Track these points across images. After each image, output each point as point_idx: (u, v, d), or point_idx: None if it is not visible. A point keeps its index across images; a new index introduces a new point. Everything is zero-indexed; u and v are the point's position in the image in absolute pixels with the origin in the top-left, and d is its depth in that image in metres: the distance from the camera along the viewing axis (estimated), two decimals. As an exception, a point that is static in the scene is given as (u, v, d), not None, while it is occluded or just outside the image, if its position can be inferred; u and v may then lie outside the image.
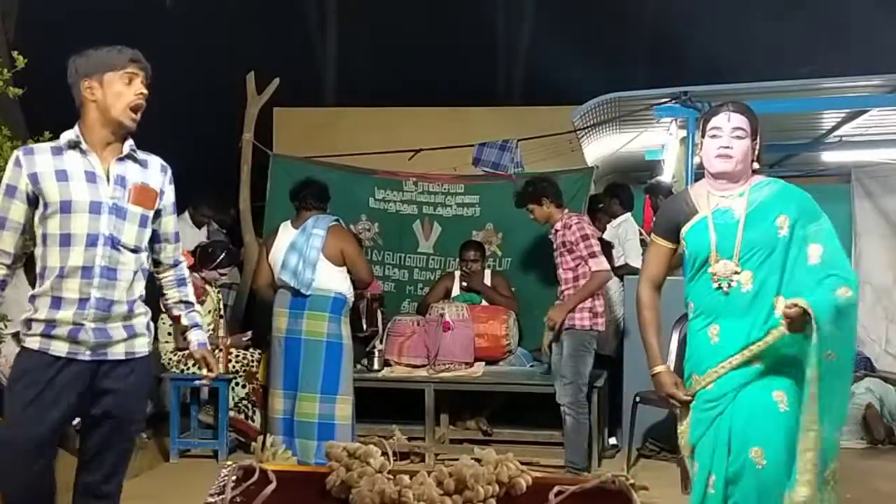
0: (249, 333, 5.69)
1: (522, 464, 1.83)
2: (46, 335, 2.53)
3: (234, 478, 1.76)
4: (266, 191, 6.45)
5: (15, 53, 4.91)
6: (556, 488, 1.73)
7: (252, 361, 5.37)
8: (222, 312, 5.55)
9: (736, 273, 2.63)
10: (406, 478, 1.75)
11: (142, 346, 2.71)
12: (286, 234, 4.73)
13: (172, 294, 2.95)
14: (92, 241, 2.55)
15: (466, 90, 11.91)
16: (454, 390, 5.33)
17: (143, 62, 2.67)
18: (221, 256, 5.43)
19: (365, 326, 5.67)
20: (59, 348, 2.54)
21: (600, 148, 7.82)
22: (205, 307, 5.32)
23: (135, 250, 2.66)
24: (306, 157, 6.96)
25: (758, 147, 2.74)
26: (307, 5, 14.62)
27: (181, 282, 2.95)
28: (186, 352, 5.20)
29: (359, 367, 5.46)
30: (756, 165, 2.74)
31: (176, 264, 2.93)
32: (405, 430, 5.09)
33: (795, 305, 2.44)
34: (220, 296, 5.61)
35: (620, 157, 7.98)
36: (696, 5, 13.07)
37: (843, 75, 5.92)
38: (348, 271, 4.71)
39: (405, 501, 1.67)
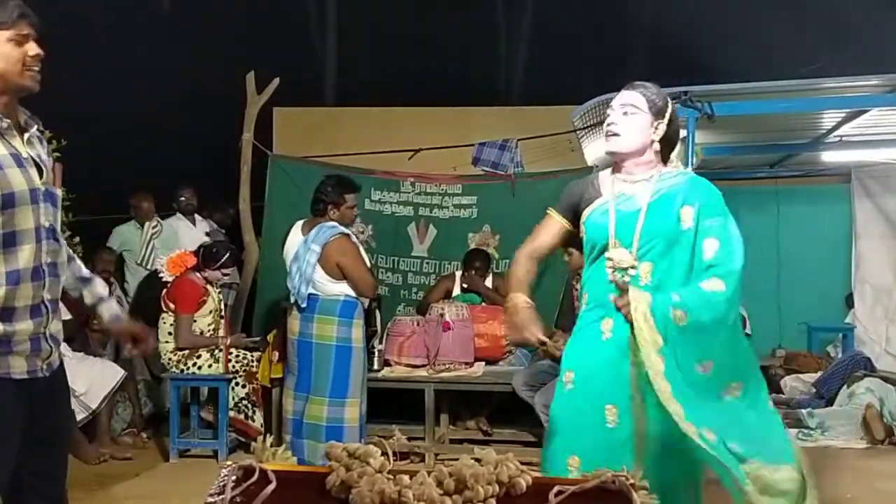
0: (258, 339, 5.68)
1: (522, 464, 1.83)
2: (4, 354, 2.15)
3: (234, 478, 1.76)
4: (265, 191, 6.45)
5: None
6: (556, 488, 1.73)
7: (252, 361, 5.37)
8: (223, 312, 5.55)
9: (633, 265, 2.48)
10: (406, 478, 1.75)
11: (61, 347, 2.40)
12: (295, 237, 4.67)
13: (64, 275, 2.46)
14: (38, 237, 2.19)
15: (466, 90, 11.90)
16: (454, 390, 5.34)
17: (31, 16, 2.21)
18: (225, 257, 5.44)
19: (366, 326, 5.67)
20: (20, 369, 2.19)
21: (600, 148, 7.81)
22: (206, 307, 5.32)
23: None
24: (305, 157, 6.96)
25: (662, 128, 2.56)
26: (307, 5, 14.62)
27: (69, 258, 2.47)
28: (187, 352, 5.23)
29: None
30: (657, 147, 2.59)
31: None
32: (405, 430, 5.15)
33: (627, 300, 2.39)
34: (220, 296, 5.61)
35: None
36: (696, 5, 13.07)
37: (843, 75, 5.92)
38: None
39: (405, 501, 1.67)
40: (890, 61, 7.41)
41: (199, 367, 5.22)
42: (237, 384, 5.30)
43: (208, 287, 5.38)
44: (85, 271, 2.56)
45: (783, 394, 6.95)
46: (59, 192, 2.35)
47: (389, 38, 14.41)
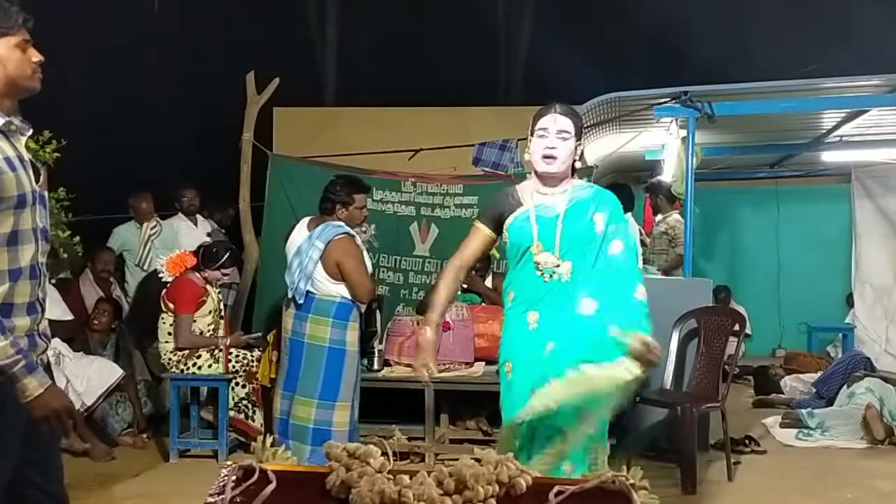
0: (258, 335, 5.67)
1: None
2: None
3: (234, 478, 1.76)
4: (265, 191, 6.45)
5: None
6: (556, 488, 1.73)
7: (252, 361, 5.37)
8: (223, 312, 5.55)
9: (557, 265, 2.82)
10: (406, 478, 1.75)
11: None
12: (300, 232, 4.62)
13: None
14: (35, 236, 2.24)
15: (466, 90, 11.91)
16: (454, 390, 5.33)
17: (30, 20, 2.26)
18: (225, 257, 5.43)
19: (365, 326, 5.67)
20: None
21: (600, 148, 7.82)
22: (206, 307, 5.32)
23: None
24: (305, 157, 6.96)
25: (581, 148, 2.95)
26: (307, 5, 14.62)
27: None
28: (186, 352, 5.23)
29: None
30: (578, 164, 2.97)
31: None
32: (405, 430, 5.15)
33: (640, 343, 2.64)
34: (220, 296, 5.61)
35: (620, 156, 7.99)
36: (695, 5, 13.07)
37: (843, 75, 5.92)
38: None
39: (405, 501, 1.67)
40: (890, 61, 7.41)
41: (199, 367, 5.22)
42: (237, 384, 5.29)
43: (208, 287, 5.38)
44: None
45: (783, 394, 6.95)
46: (46, 195, 2.39)
47: (389, 38, 14.42)
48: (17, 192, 2.17)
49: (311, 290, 4.46)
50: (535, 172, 2.96)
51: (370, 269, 4.62)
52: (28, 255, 2.22)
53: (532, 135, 2.94)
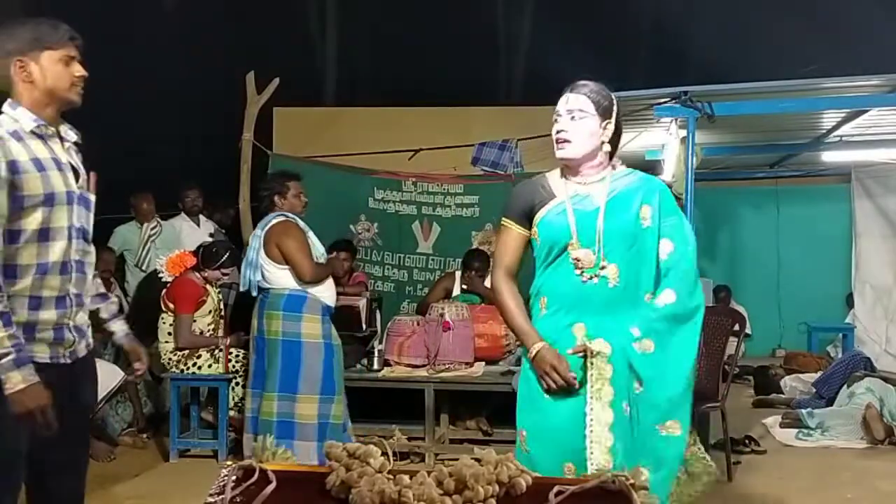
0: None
1: (522, 464, 1.83)
2: (28, 339, 2.28)
3: (234, 478, 1.76)
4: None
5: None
6: (556, 488, 1.73)
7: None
8: (223, 312, 5.55)
9: (602, 266, 2.42)
10: (406, 478, 1.75)
11: (91, 339, 2.57)
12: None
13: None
14: (68, 235, 2.37)
15: (466, 90, 11.91)
16: (454, 390, 5.33)
17: (78, 38, 2.43)
18: (225, 256, 5.43)
19: (364, 326, 5.67)
20: (42, 354, 2.34)
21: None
22: (206, 307, 5.32)
23: (92, 241, 2.54)
24: (305, 157, 6.96)
25: (611, 128, 2.53)
26: (307, 5, 14.63)
27: (94, 274, 2.65)
28: (187, 352, 5.23)
29: (359, 367, 5.46)
30: (608, 148, 2.54)
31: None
32: (405, 430, 5.15)
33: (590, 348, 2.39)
34: (220, 296, 5.60)
35: (620, 156, 7.95)
36: (696, 5, 13.08)
37: (843, 75, 5.92)
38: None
39: (405, 501, 1.67)
40: (890, 61, 7.41)
41: (199, 367, 5.22)
42: (237, 384, 5.29)
43: (208, 287, 5.38)
44: (103, 289, 2.78)
45: (783, 394, 6.95)
46: (92, 197, 2.52)
47: (389, 38, 14.42)
48: (44, 190, 2.31)
49: (265, 284, 4.53)
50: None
51: (316, 253, 4.57)
52: (58, 252, 2.35)
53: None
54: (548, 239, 2.50)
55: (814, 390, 6.51)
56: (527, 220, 2.56)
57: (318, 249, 4.61)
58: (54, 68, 2.37)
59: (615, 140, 2.58)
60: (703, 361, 5.09)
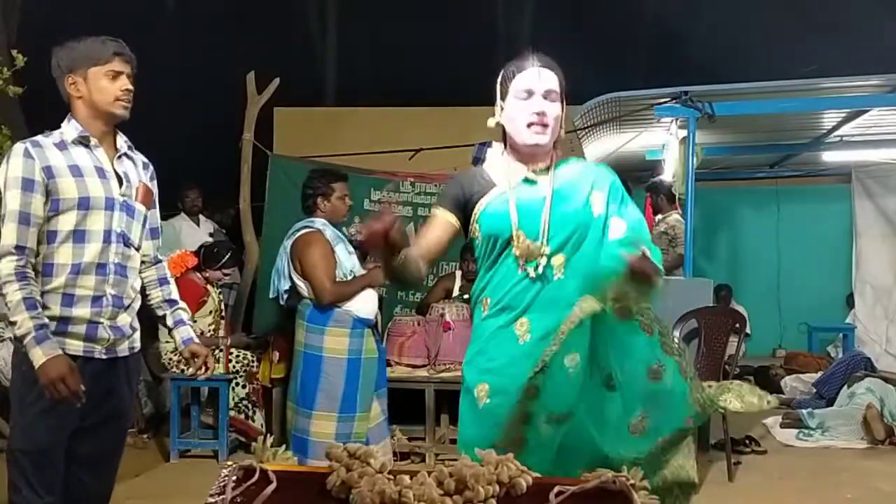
0: (258, 336, 5.67)
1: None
2: (60, 333, 2.44)
3: (234, 478, 1.76)
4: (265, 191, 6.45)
5: (14, 52, 4.93)
6: (557, 488, 1.73)
7: (252, 361, 5.37)
8: (223, 313, 5.55)
9: (545, 257, 2.20)
10: (406, 478, 1.75)
11: (137, 342, 2.69)
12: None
13: (155, 293, 2.83)
14: (106, 238, 2.51)
15: (466, 90, 11.89)
16: (454, 390, 5.32)
17: (127, 54, 2.56)
18: (226, 257, 5.43)
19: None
20: (75, 347, 2.47)
21: (600, 148, 7.83)
22: (206, 307, 5.32)
23: (138, 248, 2.65)
24: (305, 156, 6.96)
25: (563, 112, 2.30)
26: (307, 5, 14.63)
27: (163, 280, 2.85)
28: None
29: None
30: (563, 134, 2.32)
31: (157, 262, 2.83)
32: (405, 430, 5.16)
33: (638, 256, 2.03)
34: (220, 296, 5.61)
35: (620, 156, 7.99)
36: (696, 5, 13.08)
37: (843, 75, 5.92)
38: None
39: (405, 501, 1.67)
40: (890, 61, 7.41)
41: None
42: (237, 384, 5.30)
43: (209, 287, 5.38)
44: (174, 295, 2.87)
45: (783, 394, 6.95)
46: (140, 207, 2.64)
47: (389, 38, 14.41)
48: (78, 194, 2.46)
49: (298, 293, 4.28)
50: (514, 144, 2.31)
51: (350, 268, 4.26)
52: (93, 253, 2.49)
53: (504, 97, 2.30)
54: (489, 233, 2.27)
55: (814, 390, 6.51)
56: (458, 207, 2.32)
57: (346, 266, 4.25)
58: (99, 83, 2.51)
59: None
60: (703, 361, 5.10)
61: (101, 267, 2.50)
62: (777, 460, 5.24)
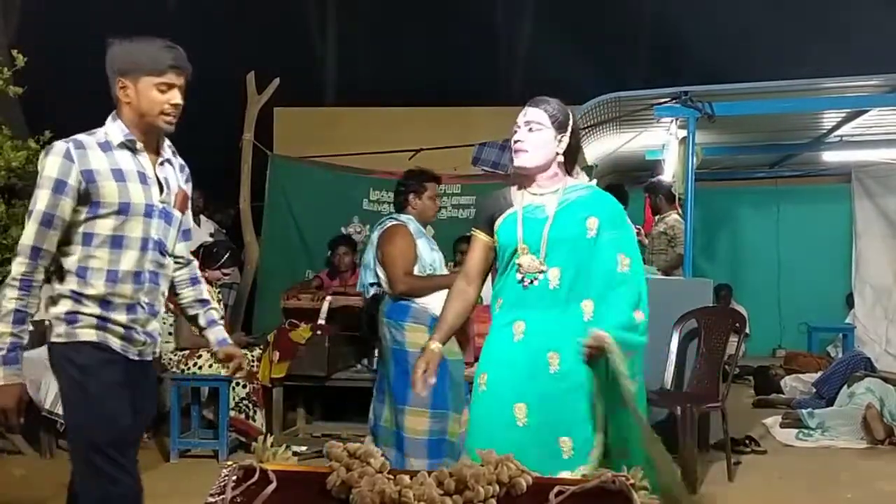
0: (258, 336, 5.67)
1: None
2: (101, 328, 2.42)
3: (234, 478, 1.76)
4: (265, 191, 6.45)
5: (14, 52, 4.93)
6: (557, 488, 1.73)
7: (252, 361, 5.37)
8: (223, 313, 5.55)
9: (541, 270, 2.62)
10: (406, 478, 1.76)
11: (158, 347, 2.69)
12: None
13: (187, 293, 2.79)
14: (143, 246, 2.47)
15: (466, 90, 11.91)
16: (454, 390, 5.33)
17: (182, 67, 2.53)
18: (226, 256, 5.43)
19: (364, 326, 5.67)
20: (114, 343, 2.45)
21: (600, 148, 7.83)
22: (205, 307, 5.32)
23: (171, 255, 2.62)
24: (305, 157, 6.96)
25: (565, 141, 2.70)
26: (307, 5, 14.63)
27: (195, 280, 2.81)
28: (187, 352, 5.23)
29: (359, 366, 5.46)
30: (562, 159, 2.71)
31: (188, 262, 2.79)
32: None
33: (596, 341, 2.46)
34: (220, 296, 5.60)
35: (620, 156, 7.99)
36: (696, 6, 13.08)
37: (843, 75, 5.92)
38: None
39: (405, 501, 1.67)
40: (890, 61, 7.41)
41: (200, 367, 5.22)
42: (238, 384, 5.29)
43: (208, 287, 5.38)
44: (206, 295, 2.83)
45: (783, 394, 6.95)
46: (178, 214, 2.61)
47: (389, 38, 14.41)
48: (119, 199, 2.40)
49: (382, 287, 4.26)
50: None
51: (430, 262, 4.23)
52: (131, 261, 2.44)
53: None
54: (502, 245, 2.73)
55: (814, 390, 6.51)
56: (488, 226, 2.79)
57: (426, 260, 4.22)
58: (149, 94, 2.45)
59: (572, 154, 2.76)
60: (703, 361, 5.10)
61: (136, 275, 2.47)
62: (777, 460, 5.23)
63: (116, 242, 2.43)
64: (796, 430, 5.72)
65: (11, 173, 4.75)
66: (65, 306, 2.41)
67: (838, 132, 7.37)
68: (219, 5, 12.52)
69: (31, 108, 6.25)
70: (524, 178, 2.76)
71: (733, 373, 5.46)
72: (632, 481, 1.75)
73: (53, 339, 2.43)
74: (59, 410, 4.86)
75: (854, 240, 9.29)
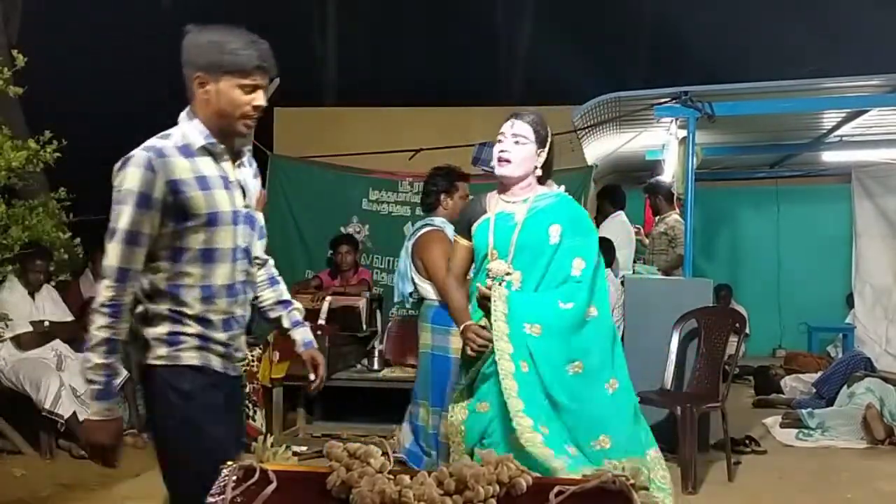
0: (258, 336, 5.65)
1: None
2: (203, 348, 2.25)
3: (234, 478, 1.76)
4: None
5: (14, 52, 4.92)
6: (557, 488, 1.73)
7: (252, 361, 5.37)
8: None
9: (508, 273, 2.83)
10: (406, 478, 1.75)
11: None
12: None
13: (267, 294, 2.58)
14: (233, 256, 2.28)
15: (466, 90, 11.91)
16: (454, 390, 5.33)
17: (268, 66, 2.33)
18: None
19: (364, 326, 5.67)
20: (216, 364, 2.29)
21: (600, 148, 7.82)
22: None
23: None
24: (304, 157, 6.96)
25: (544, 156, 2.93)
26: (307, 5, 14.63)
27: (273, 280, 2.60)
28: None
29: (359, 367, 5.46)
30: (539, 172, 2.94)
31: (265, 262, 2.58)
32: (406, 430, 5.13)
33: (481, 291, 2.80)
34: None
35: (620, 156, 7.99)
36: (696, 5, 13.08)
37: (843, 75, 5.92)
38: None
39: (406, 501, 1.67)
40: (890, 61, 7.42)
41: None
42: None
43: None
44: (286, 295, 2.63)
45: (783, 394, 6.95)
46: (259, 216, 2.44)
47: (389, 38, 14.42)
48: (206, 210, 2.21)
49: (421, 295, 4.22)
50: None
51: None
52: (223, 275, 2.27)
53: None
54: (477, 249, 2.98)
55: (814, 390, 6.51)
56: (468, 232, 3.03)
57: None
58: (231, 94, 2.25)
59: (548, 167, 2.99)
60: (703, 362, 5.10)
61: (230, 288, 2.28)
62: (777, 460, 5.23)
63: (207, 256, 2.24)
64: (796, 430, 5.72)
65: (11, 173, 4.74)
66: (165, 327, 2.22)
67: (838, 132, 7.37)
68: (218, 5, 12.50)
69: (31, 108, 6.25)
70: (501, 185, 2.99)
71: (733, 373, 5.46)
72: (632, 481, 1.75)
73: (152, 361, 2.23)
74: (60, 410, 4.86)
75: (854, 240, 9.29)
